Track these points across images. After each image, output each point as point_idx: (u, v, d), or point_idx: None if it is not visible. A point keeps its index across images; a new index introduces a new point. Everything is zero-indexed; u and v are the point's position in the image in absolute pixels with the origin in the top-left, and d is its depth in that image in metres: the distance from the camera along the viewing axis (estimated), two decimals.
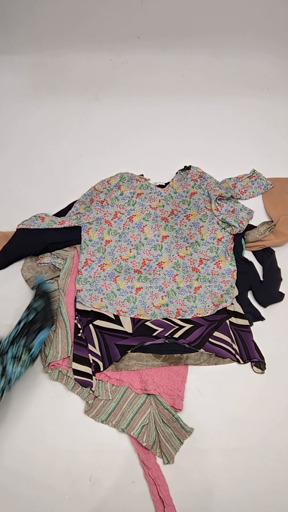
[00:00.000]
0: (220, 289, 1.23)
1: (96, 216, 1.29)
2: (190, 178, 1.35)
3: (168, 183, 1.38)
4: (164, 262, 1.26)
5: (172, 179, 1.37)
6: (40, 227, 1.26)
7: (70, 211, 1.33)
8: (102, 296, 1.21)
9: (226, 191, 1.34)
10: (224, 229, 1.29)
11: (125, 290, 1.22)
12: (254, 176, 1.41)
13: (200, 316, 1.20)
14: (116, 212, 1.30)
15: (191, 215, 1.31)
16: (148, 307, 1.21)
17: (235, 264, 1.26)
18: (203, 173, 1.35)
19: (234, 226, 1.27)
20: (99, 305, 1.20)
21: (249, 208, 1.34)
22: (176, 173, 1.39)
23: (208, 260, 1.26)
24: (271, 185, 1.40)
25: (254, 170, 1.42)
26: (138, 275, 1.25)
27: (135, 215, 1.30)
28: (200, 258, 1.26)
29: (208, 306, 1.22)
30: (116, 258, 1.26)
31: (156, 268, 1.26)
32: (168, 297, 1.22)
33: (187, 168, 1.37)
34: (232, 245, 1.28)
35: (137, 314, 1.20)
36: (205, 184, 1.34)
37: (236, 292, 1.24)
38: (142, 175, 1.39)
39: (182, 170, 1.38)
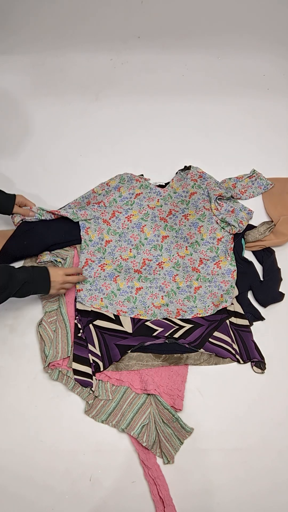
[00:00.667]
0: (220, 289, 1.23)
1: (93, 214, 1.28)
2: (190, 178, 1.35)
3: (168, 183, 1.38)
4: (164, 262, 1.26)
5: (172, 179, 1.37)
6: (32, 220, 1.25)
7: (65, 206, 1.33)
8: (102, 296, 1.21)
9: (226, 191, 1.34)
10: (223, 228, 1.29)
11: (125, 290, 1.22)
12: (254, 176, 1.41)
13: (200, 316, 1.20)
14: (114, 211, 1.30)
15: (189, 214, 1.31)
16: (148, 307, 1.21)
17: (235, 264, 1.26)
18: (203, 173, 1.35)
19: (234, 226, 1.27)
20: (99, 305, 1.20)
21: (248, 208, 1.34)
22: (176, 173, 1.39)
23: (208, 260, 1.26)
24: (271, 185, 1.40)
25: (254, 170, 1.42)
26: (138, 275, 1.25)
27: (133, 215, 1.30)
28: (200, 258, 1.26)
29: (208, 306, 1.22)
30: (116, 258, 1.26)
31: (156, 268, 1.26)
32: (168, 297, 1.22)
33: (187, 168, 1.37)
34: (232, 245, 1.28)
35: (137, 314, 1.20)
36: (205, 184, 1.34)
37: (236, 292, 1.24)
38: (142, 175, 1.39)
39: (182, 170, 1.38)
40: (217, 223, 1.29)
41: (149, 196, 1.34)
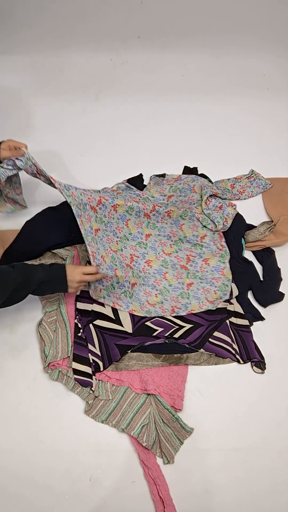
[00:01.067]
0: (213, 285, 1.23)
1: (81, 198, 1.20)
2: (166, 183, 1.36)
3: (145, 186, 1.39)
4: (151, 261, 1.26)
5: (149, 183, 1.38)
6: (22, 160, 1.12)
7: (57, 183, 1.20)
8: (101, 287, 1.20)
9: (223, 192, 1.35)
10: (205, 227, 1.28)
11: (123, 283, 1.22)
12: (253, 176, 1.41)
13: (195, 312, 1.20)
14: (100, 197, 1.24)
15: (172, 211, 1.30)
16: (143, 304, 1.21)
17: (225, 261, 1.26)
18: (180, 177, 1.37)
19: (218, 223, 1.27)
20: (97, 296, 1.19)
21: (230, 202, 1.33)
22: (151, 177, 1.39)
23: (195, 256, 1.26)
24: (270, 184, 1.40)
25: (253, 171, 1.42)
26: (130, 270, 1.24)
27: (118, 205, 1.25)
28: (187, 255, 1.27)
29: (203, 302, 1.22)
30: (107, 250, 1.25)
31: (144, 266, 1.26)
32: (162, 295, 1.22)
33: (161, 175, 1.38)
34: (223, 241, 1.28)
35: (132, 310, 1.20)
36: (182, 183, 1.34)
37: (236, 292, 1.24)
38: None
39: (157, 175, 1.39)
40: (199, 220, 1.29)
41: (130, 195, 1.34)
